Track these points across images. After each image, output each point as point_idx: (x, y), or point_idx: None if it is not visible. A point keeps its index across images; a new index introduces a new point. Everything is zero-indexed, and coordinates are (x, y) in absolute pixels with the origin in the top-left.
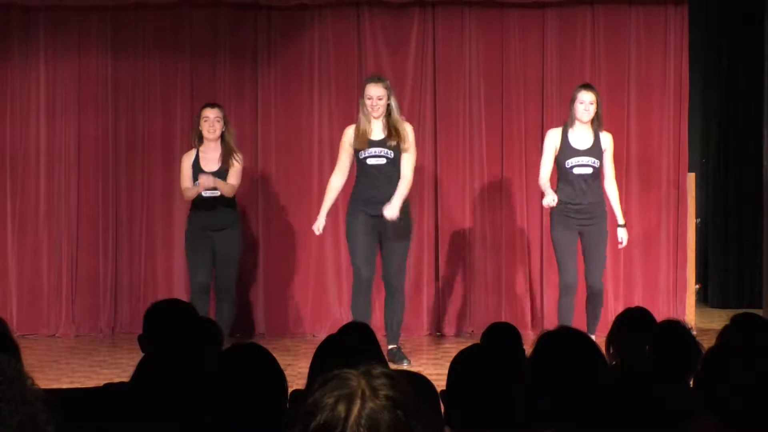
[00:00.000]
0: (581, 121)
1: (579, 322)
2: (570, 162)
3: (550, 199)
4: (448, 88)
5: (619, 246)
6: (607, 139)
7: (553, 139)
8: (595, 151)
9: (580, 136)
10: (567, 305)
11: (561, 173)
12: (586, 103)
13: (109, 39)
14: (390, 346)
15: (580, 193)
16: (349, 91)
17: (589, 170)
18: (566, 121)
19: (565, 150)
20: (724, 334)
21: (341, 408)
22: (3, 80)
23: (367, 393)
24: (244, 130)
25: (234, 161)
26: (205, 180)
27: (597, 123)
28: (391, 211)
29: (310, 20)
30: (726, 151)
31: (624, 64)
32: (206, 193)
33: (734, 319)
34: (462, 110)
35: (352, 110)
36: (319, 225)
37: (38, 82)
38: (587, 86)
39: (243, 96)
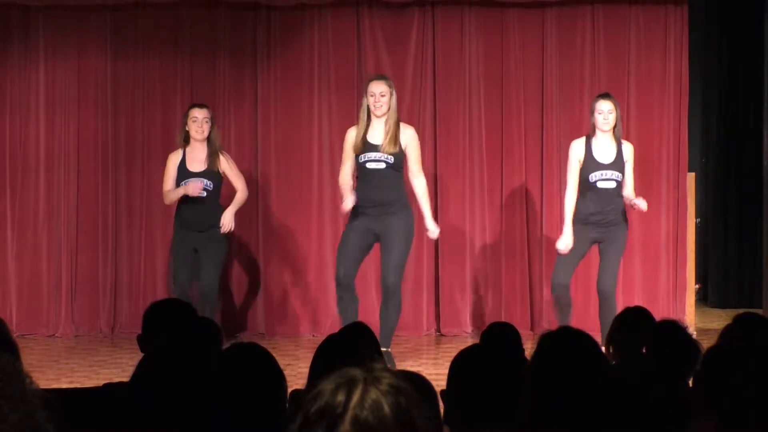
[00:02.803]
0: (602, 131)
1: (578, 319)
2: (594, 176)
3: (564, 246)
4: (448, 88)
5: (639, 208)
6: (628, 151)
7: (576, 152)
8: (619, 164)
9: (603, 147)
10: (555, 303)
11: (584, 185)
12: (605, 112)
13: (109, 39)
14: (381, 349)
15: (601, 206)
16: (349, 91)
17: (613, 184)
18: (588, 132)
19: (589, 163)
20: (725, 333)
21: (342, 393)
22: (2, 80)
23: (369, 380)
24: (244, 130)
25: (224, 162)
26: (226, 227)
27: (618, 131)
28: (434, 233)
29: (310, 20)
30: (726, 151)
31: (624, 64)
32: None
33: (737, 319)
34: (462, 110)
35: (351, 110)
36: (348, 202)
37: (38, 81)
38: (605, 95)
39: (243, 96)
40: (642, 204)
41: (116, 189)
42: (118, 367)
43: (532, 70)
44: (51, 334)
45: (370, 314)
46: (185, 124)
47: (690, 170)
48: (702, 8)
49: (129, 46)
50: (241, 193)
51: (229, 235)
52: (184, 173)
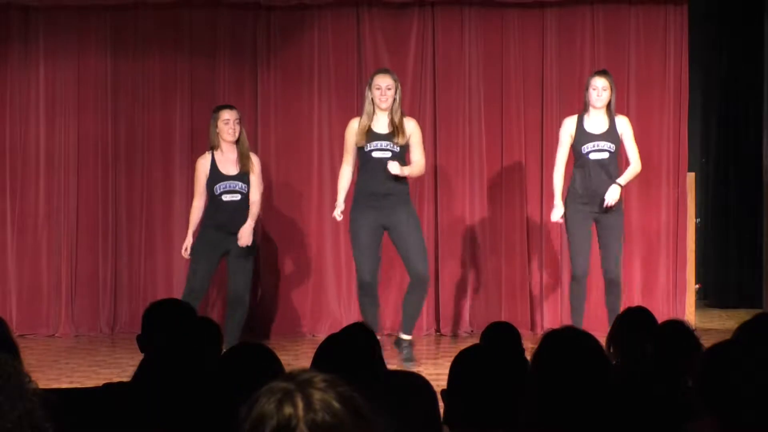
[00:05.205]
0: (595, 107)
1: (591, 309)
2: (586, 147)
3: (558, 215)
4: (448, 88)
5: (603, 203)
6: (623, 123)
7: (568, 127)
8: (612, 135)
9: (596, 121)
10: (576, 292)
11: (577, 160)
12: (599, 89)
13: (109, 39)
14: (403, 336)
15: (596, 180)
16: (349, 90)
17: (606, 155)
18: (581, 109)
19: (581, 136)
20: (739, 331)
21: (287, 406)
22: (3, 80)
23: (303, 384)
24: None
25: (252, 166)
26: (245, 241)
27: (612, 109)
28: (394, 167)
29: (310, 20)
30: (726, 151)
31: (624, 64)
32: (225, 197)
33: (757, 318)
34: (462, 110)
35: (352, 110)
36: (338, 211)
37: (38, 82)
38: (600, 72)
39: (243, 96)
40: (610, 197)
41: (116, 189)
42: (118, 367)
43: (532, 70)
44: (51, 334)
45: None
46: (215, 126)
47: (690, 170)
48: (702, 8)
49: (129, 46)
50: (255, 207)
51: (258, 245)
52: (217, 176)
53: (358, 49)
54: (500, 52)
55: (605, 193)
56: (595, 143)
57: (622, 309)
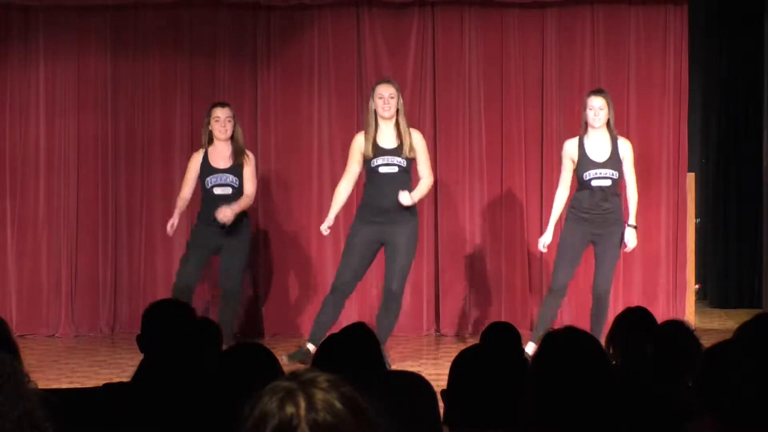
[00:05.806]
0: (594, 128)
1: (583, 317)
2: (588, 174)
3: (541, 245)
4: (448, 88)
5: (624, 249)
6: (625, 147)
7: (569, 151)
8: (614, 161)
9: (597, 145)
10: (549, 303)
11: (580, 184)
12: (595, 108)
13: (109, 39)
14: None
15: (596, 203)
16: (349, 91)
17: (608, 182)
18: (580, 131)
19: (583, 162)
20: (739, 331)
21: (289, 405)
22: (2, 80)
23: (306, 384)
24: (244, 130)
25: (246, 161)
26: (223, 216)
27: (612, 128)
28: (406, 198)
29: (310, 20)
30: (726, 151)
31: (624, 64)
32: (217, 190)
33: (757, 318)
34: (462, 110)
35: (351, 110)
36: (325, 225)
37: (38, 82)
38: (597, 91)
39: (243, 96)
40: (630, 243)
41: (116, 189)
42: (118, 367)
43: (532, 70)
44: (51, 334)
45: (367, 316)
46: (208, 123)
47: (690, 170)
48: (702, 8)
49: (129, 46)
50: (246, 199)
51: (249, 235)
52: (208, 170)
53: (358, 49)
54: (500, 52)
55: (602, 214)
56: (598, 171)
57: (621, 309)
